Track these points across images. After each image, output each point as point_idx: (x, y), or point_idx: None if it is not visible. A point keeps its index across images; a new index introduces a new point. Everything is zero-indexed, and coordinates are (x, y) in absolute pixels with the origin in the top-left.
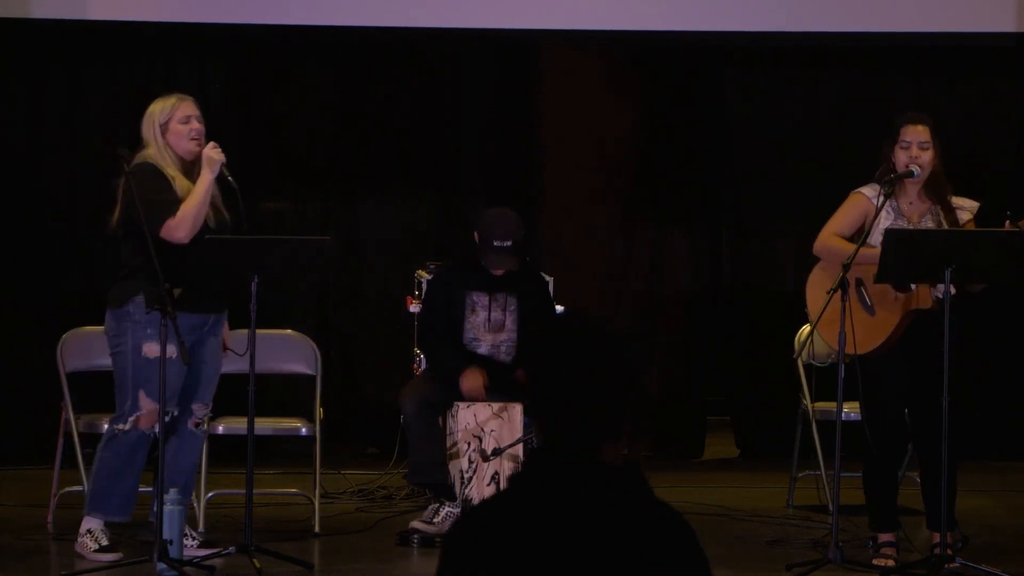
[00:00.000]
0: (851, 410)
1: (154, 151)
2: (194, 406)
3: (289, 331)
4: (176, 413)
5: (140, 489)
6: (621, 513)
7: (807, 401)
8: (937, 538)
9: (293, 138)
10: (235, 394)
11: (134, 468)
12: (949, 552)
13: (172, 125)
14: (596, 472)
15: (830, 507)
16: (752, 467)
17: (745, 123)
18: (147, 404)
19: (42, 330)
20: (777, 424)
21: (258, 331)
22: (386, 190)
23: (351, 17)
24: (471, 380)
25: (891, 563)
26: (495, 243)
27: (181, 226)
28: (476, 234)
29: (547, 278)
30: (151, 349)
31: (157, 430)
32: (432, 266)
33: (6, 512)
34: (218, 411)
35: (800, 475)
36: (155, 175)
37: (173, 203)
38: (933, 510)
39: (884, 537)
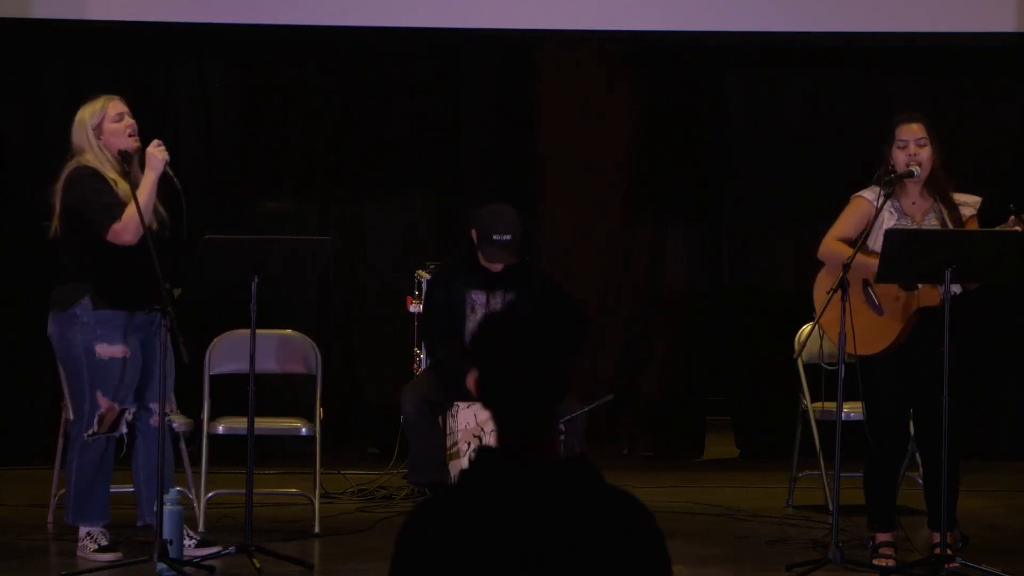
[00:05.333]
0: (851, 410)
1: (91, 156)
2: (151, 405)
3: (289, 331)
4: (133, 410)
5: (118, 489)
6: (574, 500)
7: (807, 401)
8: (937, 538)
9: (293, 138)
10: (235, 394)
11: (106, 471)
12: (949, 552)
13: (106, 125)
14: (545, 463)
15: (830, 507)
16: (752, 467)
17: (745, 123)
18: (104, 403)
19: (42, 330)
20: (777, 424)
21: (258, 331)
22: (386, 190)
23: (351, 17)
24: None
25: (891, 563)
26: (494, 237)
27: (128, 228)
28: (474, 231)
29: None
30: (105, 350)
31: (123, 430)
32: (432, 266)
33: (6, 512)
34: (218, 411)
35: (800, 475)
36: (95, 178)
37: (117, 206)
38: (935, 510)
39: (882, 537)
